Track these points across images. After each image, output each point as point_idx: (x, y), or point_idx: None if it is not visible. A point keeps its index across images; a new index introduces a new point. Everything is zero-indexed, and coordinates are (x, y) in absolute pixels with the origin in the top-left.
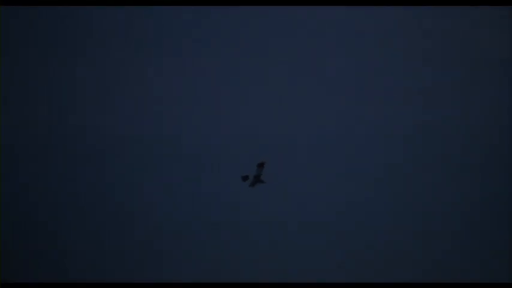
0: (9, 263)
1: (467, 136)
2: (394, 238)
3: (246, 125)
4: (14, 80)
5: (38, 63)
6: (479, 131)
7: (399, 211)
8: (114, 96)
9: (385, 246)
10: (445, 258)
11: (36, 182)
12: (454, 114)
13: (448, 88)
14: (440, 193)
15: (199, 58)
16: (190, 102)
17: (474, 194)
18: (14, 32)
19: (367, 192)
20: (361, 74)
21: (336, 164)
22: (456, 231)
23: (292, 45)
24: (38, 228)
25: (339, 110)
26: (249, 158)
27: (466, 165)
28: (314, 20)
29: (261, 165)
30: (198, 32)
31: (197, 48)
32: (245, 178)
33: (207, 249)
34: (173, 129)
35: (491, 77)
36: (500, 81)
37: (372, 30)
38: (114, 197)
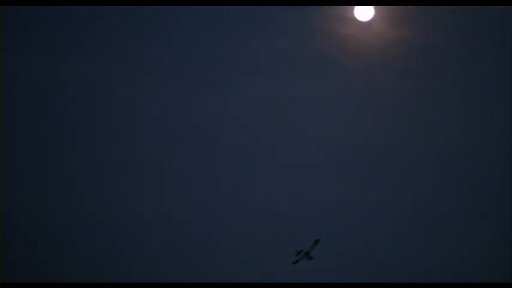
0: (9, 263)
1: (467, 134)
2: (394, 238)
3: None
4: (13, 79)
5: (38, 63)
6: (479, 132)
7: (399, 211)
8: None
9: (385, 246)
10: (445, 258)
11: (35, 182)
12: (453, 116)
13: (447, 89)
14: (440, 192)
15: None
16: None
17: (474, 194)
18: (14, 32)
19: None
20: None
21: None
22: (456, 231)
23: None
24: (37, 229)
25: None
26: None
27: (466, 165)
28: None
29: (316, 243)
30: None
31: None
32: (299, 252)
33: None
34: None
35: (491, 77)
36: (500, 82)
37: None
38: (113, 197)
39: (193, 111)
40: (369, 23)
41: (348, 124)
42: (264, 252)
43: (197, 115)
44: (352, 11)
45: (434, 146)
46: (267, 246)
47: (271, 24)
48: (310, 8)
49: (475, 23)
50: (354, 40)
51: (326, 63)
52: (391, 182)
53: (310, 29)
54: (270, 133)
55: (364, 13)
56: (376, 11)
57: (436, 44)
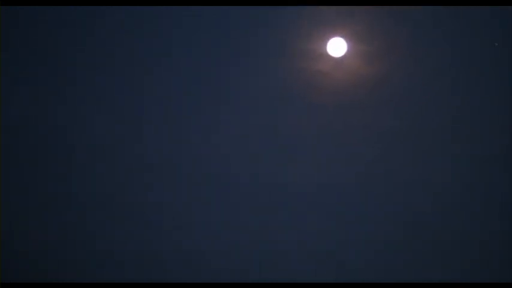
0: (9, 263)
1: (466, 134)
2: (394, 238)
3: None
4: (13, 80)
5: (38, 63)
6: (479, 132)
7: (399, 210)
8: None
9: (385, 245)
10: (445, 258)
11: (35, 182)
12: (452, 115)
13: (446, 89)
14: (440, 191)
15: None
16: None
17: (474, 193)
18: (14, 32)
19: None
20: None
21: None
22: (456, 231)
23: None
24: (37, 228)
25: None
26: None
27: (466, 164)
28: None
29: None
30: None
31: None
32: None
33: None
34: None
35: (491, 78)
36: (500, 83)
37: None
38: (114, 197)
39: (192, 112)
40: (341, 59)
41: (321, 162)
42: (263, 252)
43: (196, 116)
44: (325, 47)
45: (415, 173)
46: (267, 246)
47: (242, 62)
48: (281, 42)
49: (473, 26)
50: (326, 76)
51: (297, 100)
52: (389, 181)
53: (281, 65)
54: (246, 169)
55: (337, 49)
56: (349, 47)
57: (412, 80)
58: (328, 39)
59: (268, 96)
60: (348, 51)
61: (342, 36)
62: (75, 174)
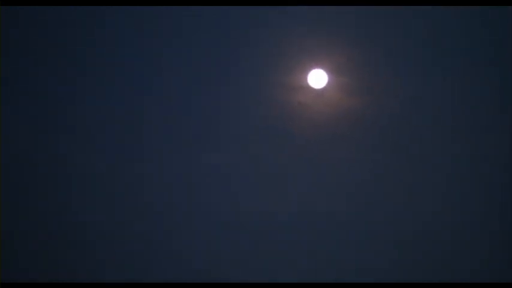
0: (9, 263)
1: (465, 131)
2: (395, 238)
3: None
4: (13, 81)
5: (38, 63)
6: (479, 133)
7: (399, 210)
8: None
9: (385, 245)
10: (445, 258)
11: (35, 180)
12: (449, 117)
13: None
14: (440, 191)
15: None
16: None
17: (475, 193)
18: (14, 32)
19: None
20: None
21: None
22: (456, 231)
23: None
24: (37, 228)
25: None
26: None
27: (467, 164)
28: None
29: None
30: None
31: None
32: None
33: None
34: None
35: (490, 78)
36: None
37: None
38: (115, 196)
39: (193, 113)
40: (321, 91)
41: (300, 194)
42: (263, 252)
43: (196, 117)
44: (306, 79)
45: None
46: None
47: (223, 99)
48: (261, 74)
49: (473, 25)
50: (307, 108)
51: (277, 132)
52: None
53: (261, 96)
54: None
55: (317, 81)
56: (330, 79)
57: (394, 110)
58: (308, 71)
59: (246, 129)
60: (329, 83)
61: (322, 68)
62: (75, 174)
